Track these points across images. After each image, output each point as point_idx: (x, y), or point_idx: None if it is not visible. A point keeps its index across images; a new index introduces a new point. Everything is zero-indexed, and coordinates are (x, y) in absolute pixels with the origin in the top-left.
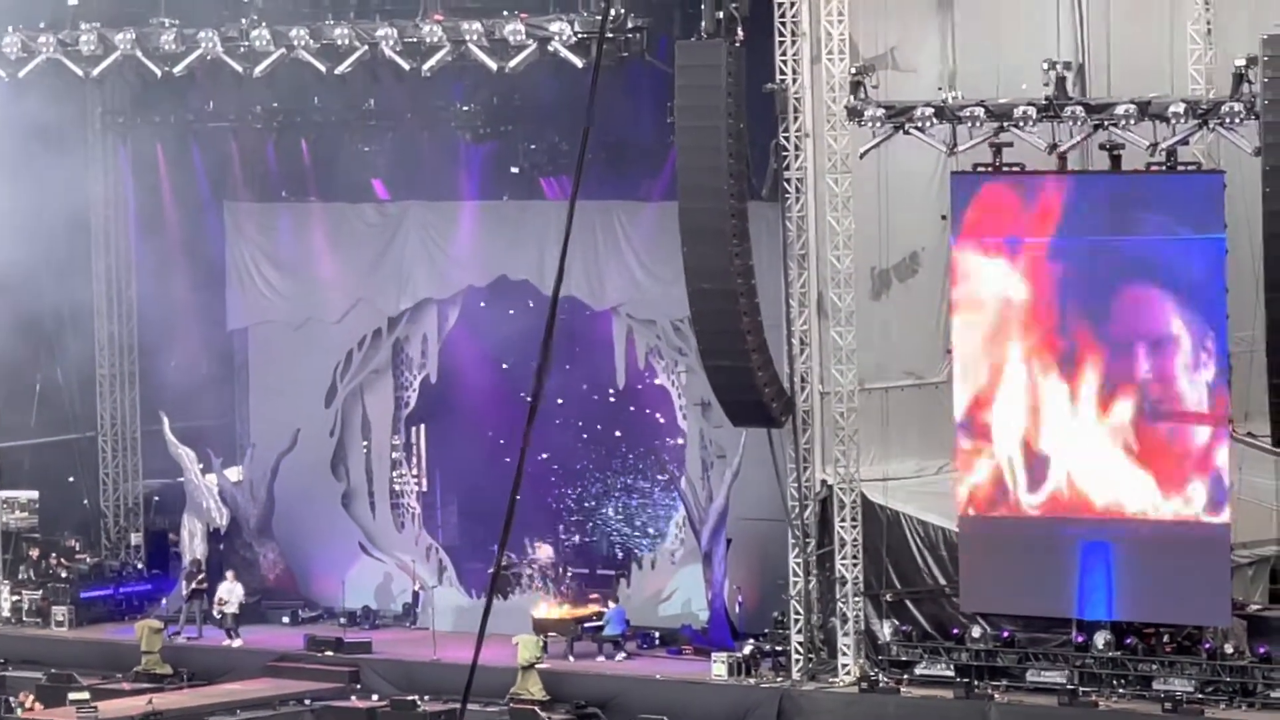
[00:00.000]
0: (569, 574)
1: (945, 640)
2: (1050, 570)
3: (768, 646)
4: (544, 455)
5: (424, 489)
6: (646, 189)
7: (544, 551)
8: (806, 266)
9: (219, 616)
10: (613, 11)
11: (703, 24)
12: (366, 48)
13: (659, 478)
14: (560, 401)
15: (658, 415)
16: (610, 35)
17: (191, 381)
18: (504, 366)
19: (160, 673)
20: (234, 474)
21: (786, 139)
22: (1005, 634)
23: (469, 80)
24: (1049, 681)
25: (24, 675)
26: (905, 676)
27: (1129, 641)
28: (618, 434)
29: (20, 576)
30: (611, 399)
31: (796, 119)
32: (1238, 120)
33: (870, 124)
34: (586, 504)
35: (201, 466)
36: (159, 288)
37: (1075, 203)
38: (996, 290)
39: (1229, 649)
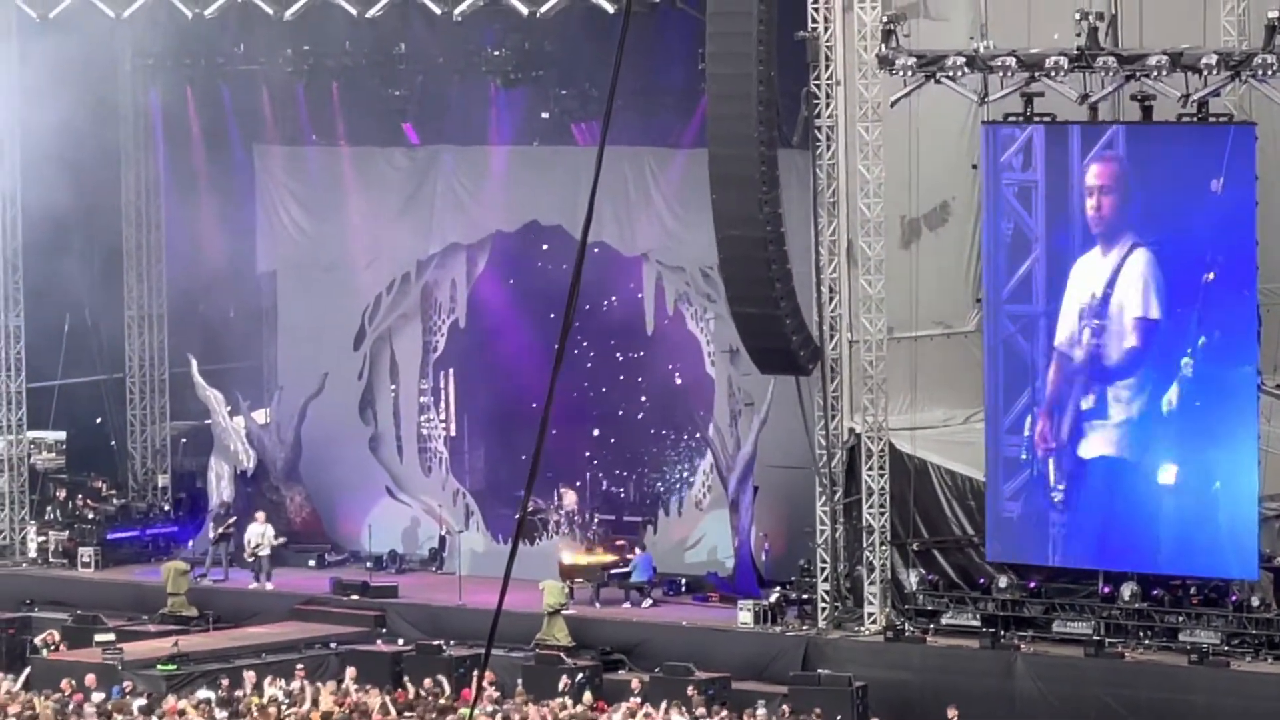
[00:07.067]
0: (596, 520)
1: (971, 590)
2: (1077, 521)
3: (793, 595)
4: (572, 401)
5: (452, 434)
6: (677, 135)
7: (570, 497)
8: (836, 214)
9: (250, 559)
10: None
11: None
12: None
13: (687, 425)
14: (588, 347)
15: (686, 362)
16: None
17: (220, 324)
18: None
19: (186, 615)
20: (261, 416)
21: (818, 87)
22: (1032, 584)
23: (500, 25)
24: (1075, 632)
25: (50, 616)
26: (931, 626)
27: (1155, 593)
28: (645, 380)
29: (47, 517)
30: (640, 345)
31: (828, 67)
32: (1270, 72)
33: (901, 72)
34: (614, 450)
35: (229, 409)
36: (188, 230)
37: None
38: None
39: (1255, 601)
